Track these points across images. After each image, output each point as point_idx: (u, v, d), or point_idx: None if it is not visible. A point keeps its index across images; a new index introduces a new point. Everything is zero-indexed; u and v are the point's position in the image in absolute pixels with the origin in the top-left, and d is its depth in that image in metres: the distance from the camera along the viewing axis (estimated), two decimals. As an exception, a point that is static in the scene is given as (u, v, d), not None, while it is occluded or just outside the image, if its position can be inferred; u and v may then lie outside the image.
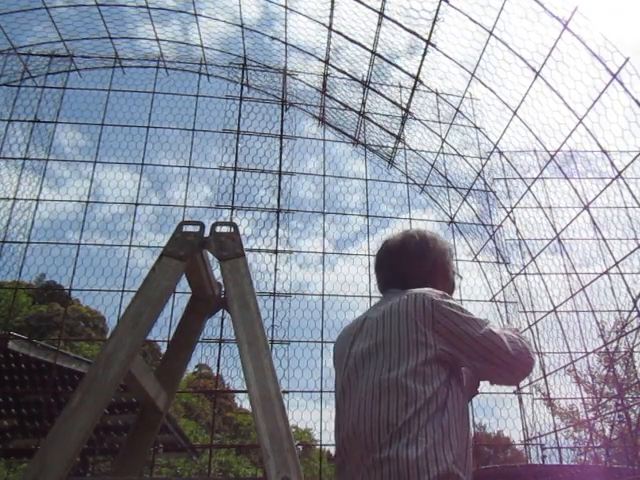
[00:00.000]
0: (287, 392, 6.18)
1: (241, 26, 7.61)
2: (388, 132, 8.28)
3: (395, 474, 1.07)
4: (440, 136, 7.89)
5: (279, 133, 7.66)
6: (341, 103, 8.20)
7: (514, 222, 7.60)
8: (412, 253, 1.44)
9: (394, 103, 7.82)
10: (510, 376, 1.29)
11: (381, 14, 6.65)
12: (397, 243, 1.48)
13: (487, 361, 1.22)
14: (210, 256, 1.41)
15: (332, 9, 6.86)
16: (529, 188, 7.41)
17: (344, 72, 7.78)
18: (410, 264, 1.42)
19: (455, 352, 1.21)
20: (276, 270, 6.81)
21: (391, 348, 1.22)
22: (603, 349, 6.85)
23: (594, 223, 6.60)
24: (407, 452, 1.08)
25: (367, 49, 7.19)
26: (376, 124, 8.28)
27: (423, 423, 1.12)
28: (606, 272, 6.42)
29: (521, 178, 7.58)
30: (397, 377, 1.17)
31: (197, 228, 1.34)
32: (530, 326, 7.42)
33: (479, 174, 7.76)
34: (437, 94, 7.62)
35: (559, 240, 7.14)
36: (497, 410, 7.00)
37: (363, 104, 8.00)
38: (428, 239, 1.47)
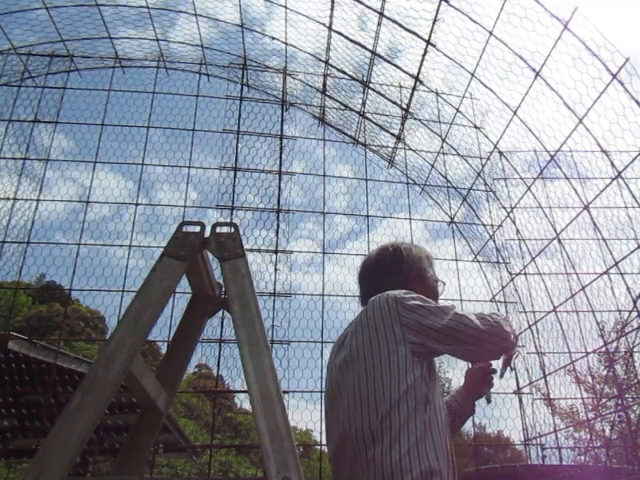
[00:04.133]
0: (287, 392, 6.18)
1: (241, 26, 7.61)
2: (388, 132, 8.28)
3: (380, 475, 1.09)
4: (440, 136, 7.89)
5: (279, 133, 7.66)
6: (341, 103, 8.20)
7: (514, 222, 7.60)
8: (387, 265, 1.47)
9: (394, 103, 7.82)
10: (485, 351, 1.29)
11: (381, 14, 6.65)
12: (373, 257, 1.53)
13: (459, 341, 1.22)
14: (210, 256, 1.41)
15: (332, 9, 6.86)
16: (529, 188, 7.41)
17: (344, 72, 7.78)
18: (386, 275, 1.46)
19: (426, 341, 1.22)
20: (276, 270, 6.81)
21: (365, 352, 1.24)
22: (603, 349, 6.85)
23: (594, 223, 6.60)
24: (390, 452, 1.10)
25: (367, 49, 7.19)
26: (376, 124, 8.28)
27: (404, 420, 1.13)
28: (606, 272, 6.41)
29: (521, 178, 7.58)
30: (374, 378, 1.19)
31: (197, 228, 1.34)
32: (530, 326, 7.42)
33: (479, 174, 7.76)
34: (437, 94, 7.62)
35: (559, 240, 7.14)
36: (497, 410, 7.01)
37: (363, 104, 8.00)
38: (402, 249, 1.50)
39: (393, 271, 1.46)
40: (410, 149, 8.28)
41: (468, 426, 7.19)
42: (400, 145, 8.26)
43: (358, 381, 1.22)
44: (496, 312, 1.34)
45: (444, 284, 1.56)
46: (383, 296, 1.28)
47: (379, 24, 6.76)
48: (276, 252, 6.90)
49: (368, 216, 7.52)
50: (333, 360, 1.39)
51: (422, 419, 1.14)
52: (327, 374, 1.43)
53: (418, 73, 7.12)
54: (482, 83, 6.86)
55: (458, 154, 7.97)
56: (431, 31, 6.45)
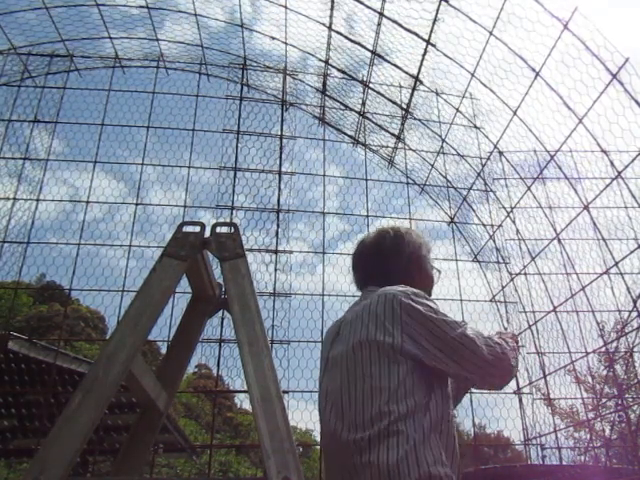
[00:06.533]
0: (287, 392, 6.17)
1: (241, 26, 7.61)
2: (388, 132, 8.28)
3: (376, 479, 1.06)
4: (440, 136, 7.89)
5: (279, 133, 7.66)
6: (341, 103, 8.20)
7: (514, 222, 7.60)
8: (387, 250, 1.43)
9: (394, 103, 7.82)
10: (483, 382, 1.25)
11: (381, 14, 6.65)
12: (372, 241, 1.47)
13: (458, 365, 1.18)
14: (210, 256, 1.41)
15: (332, 9, 6.86)
16: (529, 188, 7.41)
17: (344, 72, 7.78)
18: (385, 261, 1.42)
19: (423, 355, 1.17)
20: (276, 270, 6.81)
21: (362, 351, 1.20)
22: (603, 349, 6.85)
23: (594, 223, 6.60)
24: (387, 455, 1.07)
25: (367, 49, 7.19)
26: (376, 124, 8.28)
27: (402, 424, 1.11)
28: (606, 272, 6.41)
29: (521, 178, 7.58)
30: (371, 379, 1.16)
31: (198, 228, 1.34)
32: (530, 326, 7.42)
33: (479, 174, 7.76)
34: (437, 94, 7.62)
35: (559, 240, 7.14)
36: (497, 410, 7.01)
37: (363, 104, 8.00)
38: (403, 234, 1.46)
39: (393, 256, 1.42)
40: (410, 149, 8.27)
41: (468, 426, 7.19)
42: (400, 145, 8.26)
43: (354, 382, 1.19)
44: (505, 338, 1.28)
45: (439, 272, 1.53)
46: (389, 296, 1.23)
47: (379, 24, 6.76)
48: (276, 252, 6.90)
49: (368, 216, 7.52)
50: (329, 350, 1.35)
51: (421, 424, 1.11)
52: (322, 363, 1.39)
53: (418, 73, 7.11)
54: (482, 83, 6.86)
55: (458, 154, 7.96)
56: (431, 31, 6.45)
